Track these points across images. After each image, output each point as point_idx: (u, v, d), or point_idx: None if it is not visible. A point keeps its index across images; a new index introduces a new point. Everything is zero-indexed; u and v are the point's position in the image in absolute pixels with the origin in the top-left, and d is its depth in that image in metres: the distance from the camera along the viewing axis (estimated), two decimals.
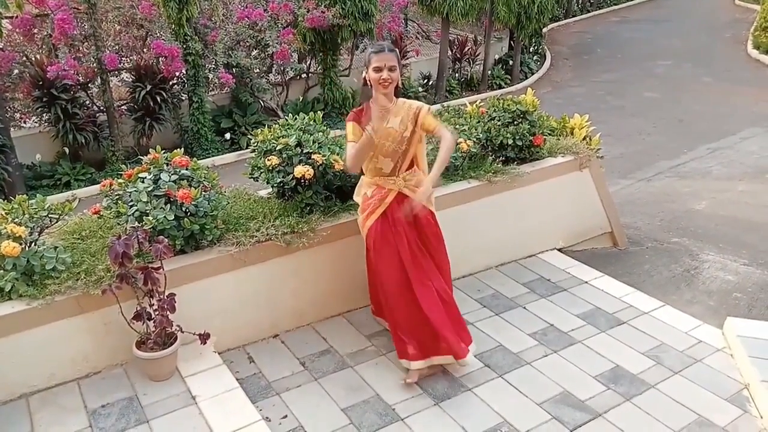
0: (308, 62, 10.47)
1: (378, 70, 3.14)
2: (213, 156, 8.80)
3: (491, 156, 4.65)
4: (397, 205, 3.31)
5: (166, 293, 3.18)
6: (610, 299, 4.29)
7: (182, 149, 3.66)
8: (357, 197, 3.53)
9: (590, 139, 5.05)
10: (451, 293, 3.46)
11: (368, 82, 3.22)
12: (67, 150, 8.09)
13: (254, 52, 9.71)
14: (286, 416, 3.18)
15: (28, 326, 3.05)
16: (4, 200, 3.32)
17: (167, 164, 3.42)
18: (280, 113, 9.74)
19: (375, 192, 3.35)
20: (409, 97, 10.66)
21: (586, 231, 5.14)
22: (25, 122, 8.11)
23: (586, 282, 4.50)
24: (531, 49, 13.89)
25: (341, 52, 10.15)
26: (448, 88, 11.66)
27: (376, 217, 3.34)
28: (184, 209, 3.26)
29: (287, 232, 3.59)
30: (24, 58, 7.86)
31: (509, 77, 12.67)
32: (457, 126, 4.44)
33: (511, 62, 12.76)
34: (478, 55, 12.52)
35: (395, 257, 3.30)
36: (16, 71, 7.73)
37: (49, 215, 3.23)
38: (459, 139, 4.32)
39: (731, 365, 3.63)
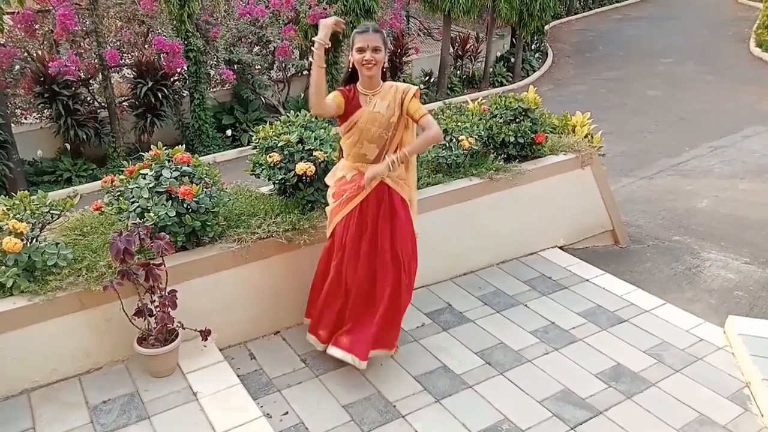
0: (310, 59, 10.46)
1: (361, 50, 3.04)
2: (214, 152, 8.80)
3: (493, 153, 4.65)
4: (375, 195, 3.22)
5: (168, 290, 3.18)
6: (611, 297, 4.29)
7: (183, 146, 3.66)
8: (330, 179, 3.40)
9: (592, 137, 5.04)
10: (405, 296, 3.37)
11: (353, 65, 3.12)
12: (68, 146, 8.10)
13: (256, 49, 9.71)
14: (287, 413, 3.18)
15: (29, 322, 3.05)
16: (5, 196, 3.31)
17: (169, 160, 3.42)
18: (281, 110, 9.74)
19: (355, 177, 3.23)
20: None
21: (588, 229, 5.14)
22: (26, 118, 8.12)
23: (588, 280, 4.50)
24: (533, 47, 13.87)
25: (343, 49, 10.14)
26: (449, 86, 11.65)
27: (352, 207, 3.23)
28: (185, 206, 3.26)
29: (288, 228, 3.59)
30: (25, 54, 7.86)
31: (511, 75, 12.65)
32: (459, 123, 4.43)
33: (512, 60, 12.75)
34: (479, 52, 12.51)
35: (356, 252, 3.26)
36: (17, 67, 7.73)
37: (51, 211, 3.23)
38: (460, 136, 4.31)
39: (732, 363, 3.63)
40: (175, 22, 8.23)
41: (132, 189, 3.29)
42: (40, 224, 3.20)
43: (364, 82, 3.16)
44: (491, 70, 12.33)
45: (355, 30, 3.12)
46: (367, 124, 3.13)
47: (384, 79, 3.22)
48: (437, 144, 4.33)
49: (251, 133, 4.04)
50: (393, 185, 3.26)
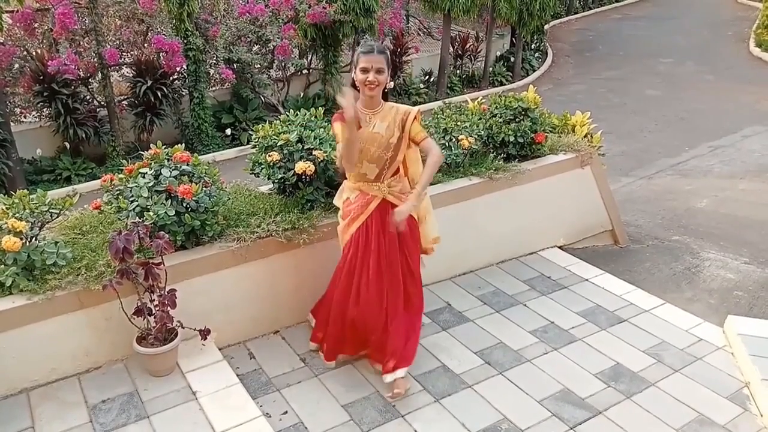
0: (309, 58, 10.45)
1: (365, 71, 3.04)
2: (214, 151, 8.78)
3: (492, 153, 4.65)
4: (379, 213, 3.24)
5: (167, 289, 3.18)
6: (610, 297, 4.29)
7: (183, 144, 3.66)
8: (338, 201, 3.44)
9: (591, 137, 5.04)
10: (418, 300, 3.44)
11: (355, 83, 3.13)
12: (67, 145, 8.08)
13: (255, 48, 9.69)
14: (286, 412, 3.18)
15: (28, 321, 3.05)
16: (4, 195, 3.31)
17: (168, 159, 3.42)
18: (281, 109, 9.73)
19: (358, 198, 3.26)
20: (409, 94, 10.76)
21: (587, 228, 5.14)
22: (25, 117, 8.09)
23: (587, 279, 4.51)
24: (532, 46, 13.86)
25: (342, 48, 10.13)
26: (449, 85, 11.64)
27: (358, 225, 3.25)
28: (184, 205, 3.26)
29: (288, 228, 3.59)
30: (25, 53, 7.84)
31: (510, 74, 12.64)
32: (459, 123, 4.43)
33: (512, 59, 12.74)
34: (479, 51, 12.50)
35: (366, 271, 3.25)
36: (16, 66, 7.70)
37: (50, 210, 3.22)
38: (460, 136, 4.31)
39: (732, 363, 3.63)
40: (174, 20, 8.21)
41: (131, 188, 3.29)
42: (40, 223, 3.20)
43: (365, 102, 3.17)
44: (491, 69, 12.32)
45: (359, 49, 3.12)
46: (366, 145, 3.13)
47: (385, 98, 3.23)
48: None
49: (251, 132, 4.04)
50: (395, 201, 3.25)
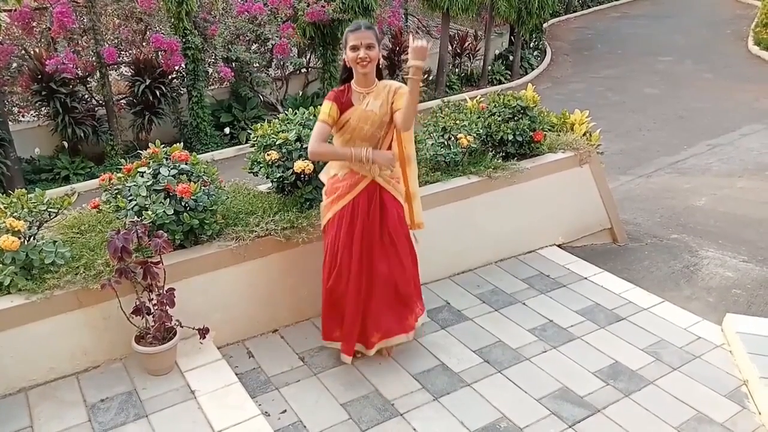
0: (308, 57, 10.46)
1: (355, 48, 3.03)
2: (212, 150, 8.79)
3: (491, 152, 4.65)
4: (367, 194, 3.20)
5: (166, 288, 3.17)
6: (609, 295, 4.29)
7: (181, 144, 3.66)
8: (324, 176, 3.38)
9: (590, 135, 5.04)
10: (405, 285, 3.38)
11: (347, 64, 3.12)
12: (66, 144, 8.09)
13: (254, 47, 9.70)
14: (285, 411, 3.18)
15: (27, 320, 3.05)
16: (3, 194, 3.31)
17: (166, 159, 3.42)
18: (279, 108, 9.73)
19: (347, 176, 3.22)
20: None
21: (586, 227, 5.14)
22: (23, 116, 8.10)
23: (586, 278, 4.51)
24: (531, 45, 13.86)
25: (341, 47, 10.13)
26: (448, 84, 11.64)
27: (343, 204, 3.21)
28: (183, 204, 3.26)
29: (287, 227, 3.59)
30: (23, 52, 7.84)
31: (509, 73, 12.65)
32: (458, 121, 4.43)
33: (511, 58, 12.74)
34: (478, 50, 12.50)
35: (348, 255, 3.23)
36: (14, 65, 7.71)
37: (48, 209, 3.22)
38: (459, 134, 4.31)
39: (730, 362, 3.63)
40: (172, 19, 8.22)
41: (130, 187, 3.28)
42: (38, 222, 3.20)
43: (358, 80, 3.15)
44: (490, 68, 12.33)
45: (347, 29, 3.12)
46: (360, 122, 3.12)
47: (380, 76, 3.21)
48: (436, 142, 4.36)
49: (249, 131, 4.04)
50: (384, 184, 3.24)
